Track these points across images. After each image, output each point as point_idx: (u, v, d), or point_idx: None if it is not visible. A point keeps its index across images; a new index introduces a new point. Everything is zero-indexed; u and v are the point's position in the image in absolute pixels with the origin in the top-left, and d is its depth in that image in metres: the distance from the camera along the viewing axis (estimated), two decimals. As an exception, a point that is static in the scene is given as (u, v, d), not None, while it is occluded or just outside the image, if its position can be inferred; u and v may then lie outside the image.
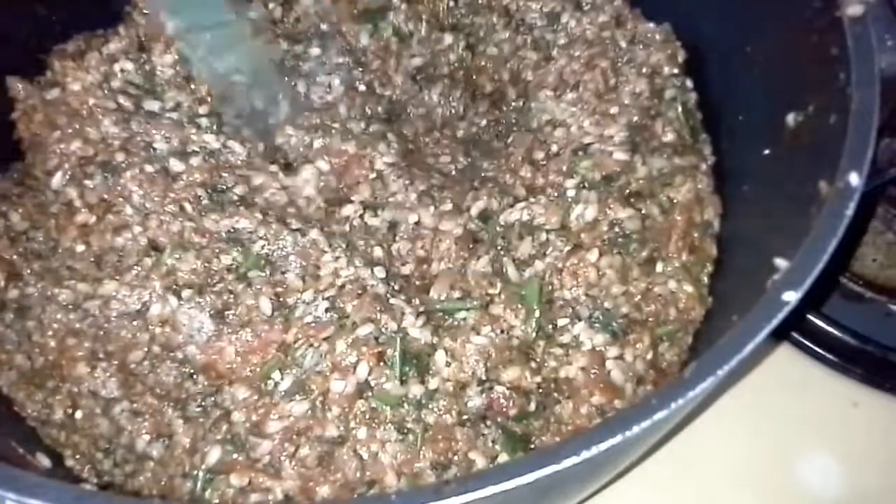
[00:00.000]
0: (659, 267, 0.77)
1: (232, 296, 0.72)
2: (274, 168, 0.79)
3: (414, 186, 0.79)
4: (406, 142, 0.85)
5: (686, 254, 0.78)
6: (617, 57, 0.86)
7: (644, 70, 0.85)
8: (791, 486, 0.85)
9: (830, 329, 0.90)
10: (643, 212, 0.78)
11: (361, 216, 0.78)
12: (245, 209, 0.75)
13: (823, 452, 0.87)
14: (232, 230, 0.74)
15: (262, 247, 0.73)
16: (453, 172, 0.84)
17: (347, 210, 0.78)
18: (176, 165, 0.77)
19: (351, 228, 0.77)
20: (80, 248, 0.76)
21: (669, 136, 0.83)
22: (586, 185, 0.78)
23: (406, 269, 0.77)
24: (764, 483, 0.85)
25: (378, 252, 0.76)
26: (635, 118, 0.82)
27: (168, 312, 0.71)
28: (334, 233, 0.76)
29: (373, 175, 0.80)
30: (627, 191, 0.79)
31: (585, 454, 0.46)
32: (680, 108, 0.85)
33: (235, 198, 0.76)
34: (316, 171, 0.79)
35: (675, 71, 0.87)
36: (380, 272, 0.73)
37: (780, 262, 0.55)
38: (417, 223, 0.77)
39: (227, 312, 0.71)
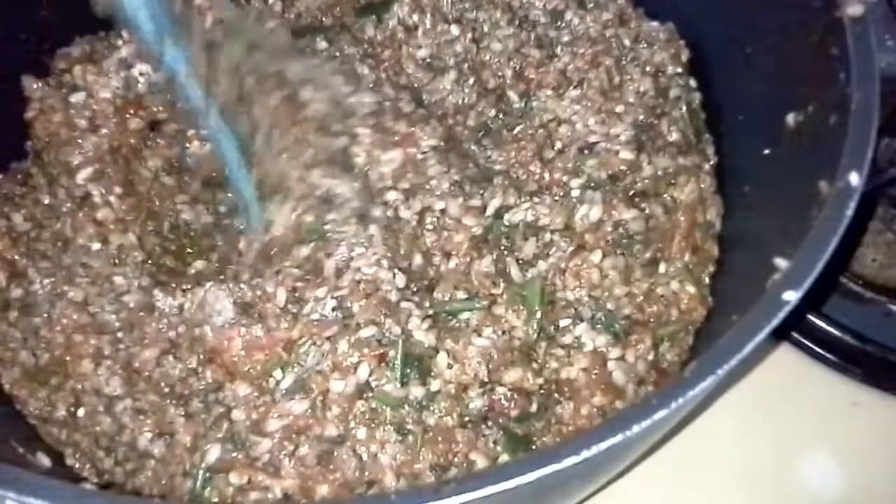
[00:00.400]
0: (662, 268, 0.77)
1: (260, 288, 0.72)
2: None
3: (449, 175, 0.78)
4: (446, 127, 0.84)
5: (689, 254, 0.78)
6: (621, 55, 0.86)
7: (648, 69, 0.85)
8: (791, 486, 0.85)
9: (830, 329, 0.90)
10: (647, 212, 0.78)
11: (396, 209, 0.77)
12: None
13: (823, 452, 0.87)
14: None
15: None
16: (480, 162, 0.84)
17: (390, 196, 0.76)
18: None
19: (389, 220, 0.76)
20: (97, 245, 0.76)
21: (674, 136, 0.83)
22: (592, 184, 0.78)
23: (436, 262, 0.76)
24: (764, 483, 0.85)
25: (418, 259, 0.75)
26: (641, 117, 0.82)
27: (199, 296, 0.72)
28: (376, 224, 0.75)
29: (418, 157, 0.79)
30: (632, 191, 0.79)
31: (586, 454, 0.46)
32: (685, 108, 0.85)
33: None
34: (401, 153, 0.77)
35: (679, 70, 0.87)
36: (401, 280, 0.72)
37: (780, 262, 0.55)
38: (443, 211, 0.76)
39: (250, 305, 0.71)
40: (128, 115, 0.78)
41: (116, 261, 0.76)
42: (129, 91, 0.79)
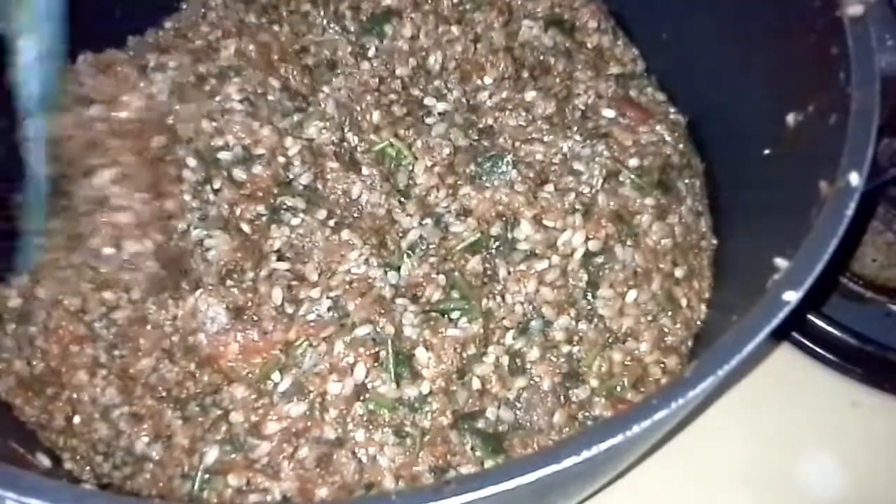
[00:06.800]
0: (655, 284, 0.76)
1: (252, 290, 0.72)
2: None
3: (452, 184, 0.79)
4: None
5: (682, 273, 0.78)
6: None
7: None
8: (791, 486, 0.85)
9: (830, 329, 0.89)
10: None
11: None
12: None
13: (823, 452, 0.86)
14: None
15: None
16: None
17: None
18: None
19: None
20: (109, 250, 0.74)
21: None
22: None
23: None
24: (764, 483, 0.85)
25: (424, 267, 0.75)
26: None
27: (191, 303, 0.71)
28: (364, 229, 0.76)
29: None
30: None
31: (586, 454, 0.46)
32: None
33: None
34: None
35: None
36: (393, 277, 0.73)
37: (780, 262, 0.55)
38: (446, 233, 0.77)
39: (243, 309, 0.71)
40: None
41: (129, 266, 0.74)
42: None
